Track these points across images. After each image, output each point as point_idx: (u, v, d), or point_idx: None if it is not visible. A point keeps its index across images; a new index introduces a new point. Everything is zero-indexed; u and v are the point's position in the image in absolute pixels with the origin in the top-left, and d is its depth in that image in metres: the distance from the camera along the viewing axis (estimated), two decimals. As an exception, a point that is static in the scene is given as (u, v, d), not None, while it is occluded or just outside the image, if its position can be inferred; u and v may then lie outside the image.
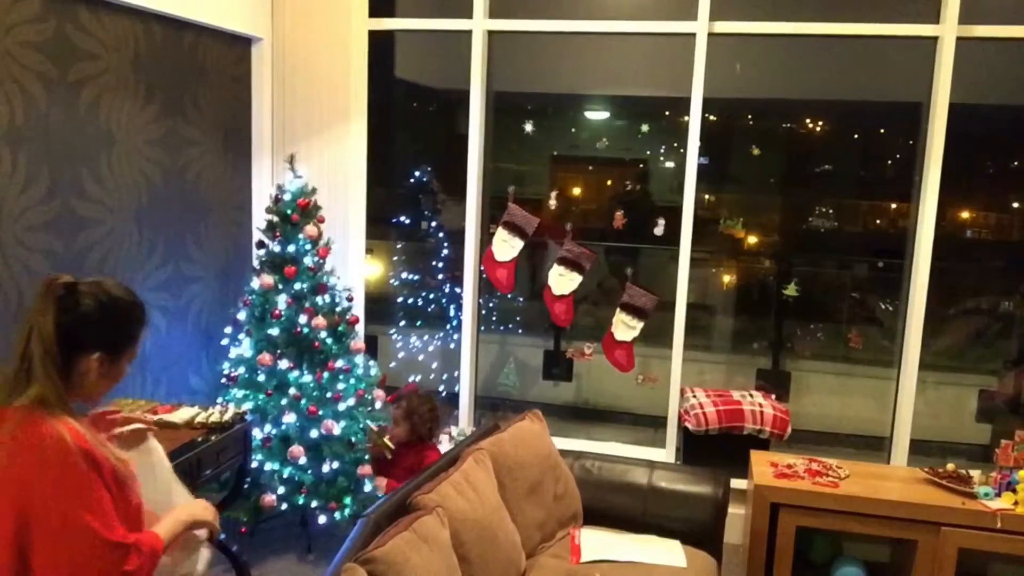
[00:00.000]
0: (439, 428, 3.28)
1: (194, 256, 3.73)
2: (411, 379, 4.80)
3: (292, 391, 3.46)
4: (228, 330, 3.67)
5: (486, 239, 4.20)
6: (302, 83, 4.11)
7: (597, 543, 2.87)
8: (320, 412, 3.44)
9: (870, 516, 3.10)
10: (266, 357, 3.46)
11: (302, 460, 3.44)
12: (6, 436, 1.45)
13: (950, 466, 3.28)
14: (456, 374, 4.34)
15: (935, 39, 3.61)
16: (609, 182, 4.80)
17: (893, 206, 4.72)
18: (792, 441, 3.90)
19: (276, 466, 3.49)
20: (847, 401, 4.62)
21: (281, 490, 3.49)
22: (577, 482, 3.11)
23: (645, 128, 4.53)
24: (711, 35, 3.76)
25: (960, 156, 3.73)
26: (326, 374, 3.51)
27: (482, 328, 4.42)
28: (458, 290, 4.31)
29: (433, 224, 4.65)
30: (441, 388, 4.79)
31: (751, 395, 4.00)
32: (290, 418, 3.46)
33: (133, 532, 1.55)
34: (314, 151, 4.11)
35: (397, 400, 3.31)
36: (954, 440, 4.44)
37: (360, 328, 3.99)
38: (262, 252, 3.63)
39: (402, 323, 4.84)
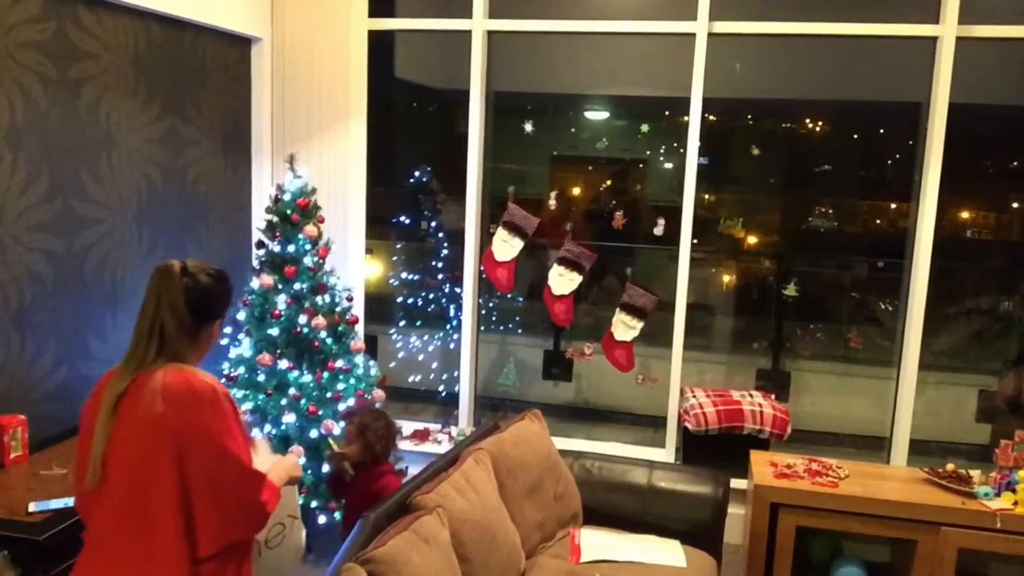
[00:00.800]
0: (394, 446, 2.99)
1: (194, 256, 3.73)
2: (410, 379, 4.80)
3: (292, 391, 3.45)
4: (228, 330, 3.67)
5: (486, 239, 4.20)
6: (302, 83, 4.11)
7: (597, 543, 2.87)
8: (320, 412, 3.44)
9: (870, 516, 3.10)
10: (266, 357, 3.46)
11: (302, 460, 3.44)
12: (158, 385, 1.71)
13: (950, 466, 3.28)
14: (456, 374, 4.34)
15: (935, 39, 3.61)
16: (609, 182, 4.80)
17: (893, 206, 4.72)
18: (792, 441, 3.90)
19: (276, 466, 3.48)
20: (847, 401, 4.62)
21: (281, 490, 3.48)
22: (577, 482, 3.11)
23: (645, 128, 4.53)
24: (711, 35, 3.76)
25: (960, 156, 3.73)
26: (326, 374, 3.51)
27: (482, 328, 4.42)
28: (458, 290, 4.31)
29: (433, 224, 4.65)
30: (441, 388, 4.79)
31: (751, 395, 4.00)
32: (290, 418, 3.45)
33: None
34: (314, 151, 4.11)
35: (349, 416, 2.98)
36: (954, 440, 4.44)
37: (360, 328, 3.99)
38: (262, 252, 3.63)
39: (402, 323, 4.84)
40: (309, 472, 3.48)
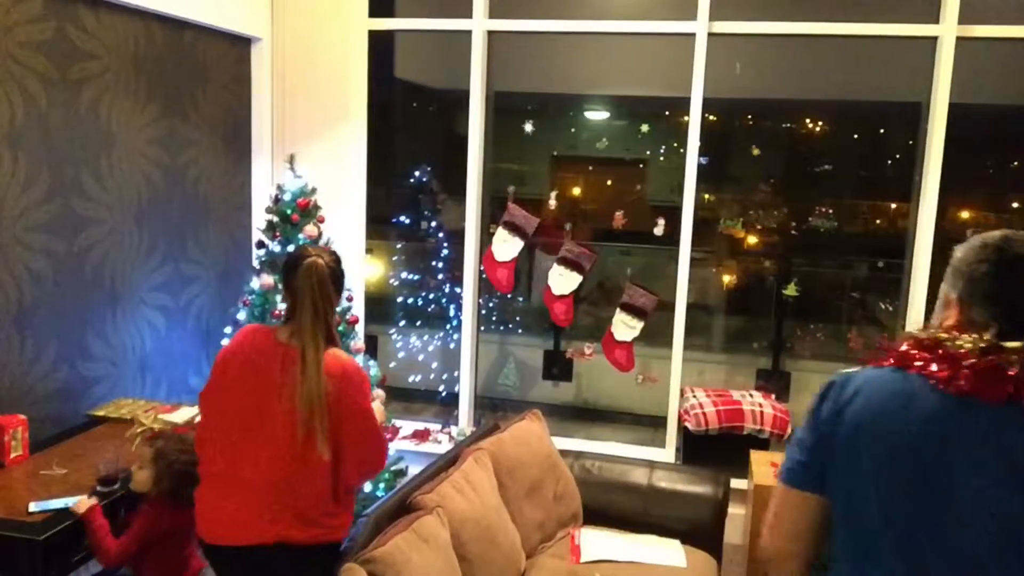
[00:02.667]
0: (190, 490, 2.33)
1: (194, 256, 3.73)
2: (410, 379, 4.80)
3: (292, 391, 3.45)
4: (228, 330, 3.67)
5: (486, 239, 4.20)
6: (302, 83, 4.12)
7: (597, 543, 2.87)
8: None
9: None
10: (266, 357, 3.46)
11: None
12: (327, 366, 2.08)
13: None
14: (456, 374, 4.34)
15: (935, 39, 3.61)
16: (609, 182, 4.80)
17: (893, 206, 4.73)
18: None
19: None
20: (847, 401, 4.62)
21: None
22: (577, 482, 3.11)
23: (645, 128, 4.53)
24: (711, 35, 3.76)
25: (960, 156, 3.73)
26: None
27: (482, 328, 4.42)
28: (458, 290, 4.31)
29: (433, 224, 4.65)
30: (441, 388, 4.79)
31: (751, 395, 4.00)
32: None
33: None
34: (314, 151, 4.11)
35: (154, 439, 2.51)
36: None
37: (360, 328, 3.98)
38: (262, 252, 3.63)
39: (402, 323, 4.84)
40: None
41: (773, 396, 4.06)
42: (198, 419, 2.59)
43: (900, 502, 1.30)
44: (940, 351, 1.31)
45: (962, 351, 1.29)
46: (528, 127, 4.39)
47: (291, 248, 3.54)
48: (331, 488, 2.10)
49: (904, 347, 1.36)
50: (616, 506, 3.10)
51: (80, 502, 2.32)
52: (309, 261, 2.13)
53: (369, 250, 4.43)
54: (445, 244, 4.59)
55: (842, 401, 1.39)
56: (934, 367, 1.30)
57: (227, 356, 2.19)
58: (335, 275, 2.18)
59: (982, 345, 1.29)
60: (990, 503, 1.24)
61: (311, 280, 2.11)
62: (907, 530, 1.29)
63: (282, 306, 3.48)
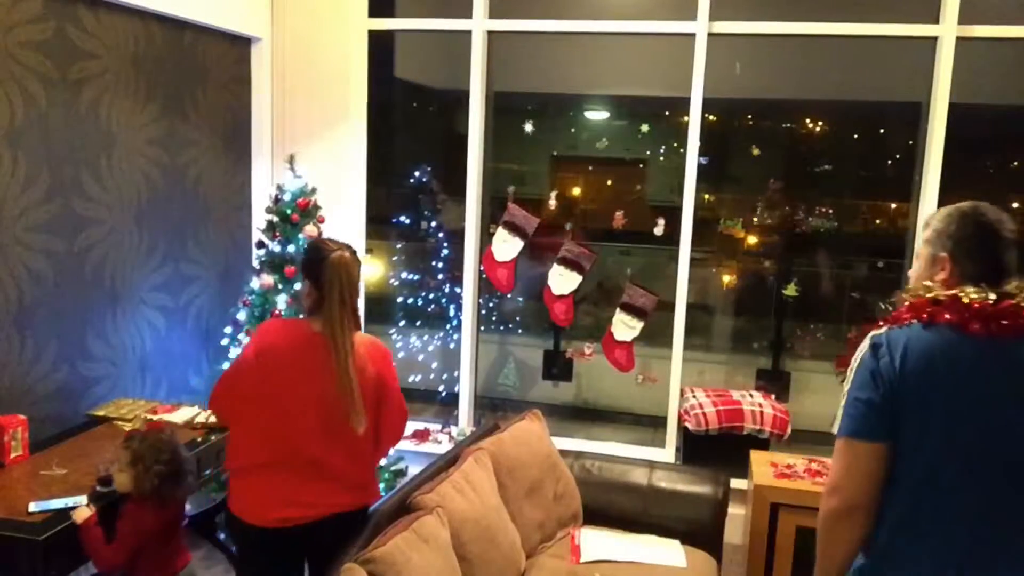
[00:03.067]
0: (178, 490, 2.39)
1: (194, 256, 3.73)
2: (410, 379, 4.80)
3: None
4: (228, 330, 3.67)
5: (486, 239, 4.20)
6: (302, 83, 4.12)
7: (597, 543, 2.87)
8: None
9: (870, 516, 3.10)
10: (266, 357, 3.46)
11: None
12: (364, 348, 2.32)
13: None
14: (456, 374, 4.34)
15: (935, 39, 3.61)
16: (609, 182, 4.80)
17: (893, 206, 4.72)
18: (792, 441, 3.90)
19: (276, 466, 3.48)
20: (847, 401, 4.61)
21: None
22: (577, 482, 3.11)
23: (645, 128, 4.53)
24: (711, 35, 3.76)
25: (960, 156, 3.73)
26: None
27: (482, 328, 4.42)
28: (458, 290, 4.31)
29: (433, 224, 4.65)
30: (441, 388, 4.79)
31: (751, 395, 4.00)
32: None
33: None
34: (314, 151, 4.11)
35: (128, 439, 2.40)
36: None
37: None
38: (262, 252, 3.63)
39: (402, 323, 4.84)
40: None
41: (773, 396, 4.06)
42: (211, 419, 2.59)
43: (961, 432, 1.58)
44: (958, 305, 1.60)
45: (977, 303, 1.59)
46: (528, 127, 4.39)
47: (291, 248, 3.55)
48: (372, 458, 2.41)
49: (923, 304, 1.64)
50: (616, 506, 3.10)
51: (79, 511, 2.31)
52: (336, 255, 2.25)
53: (369, 250, 4.43)
54: (445, 244, 4.59)
55: (897, 357, 1.61)
56: (958, 317, 1.59)
57: (264, 351, 2.24)
58: (359, 266, 2.34)
59: (992, 296, 1.59)
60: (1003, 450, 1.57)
61: (339, 273, 2.24)
62: (968, 453, 1.58)
63: (282, 306, 3.50)
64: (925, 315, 1.63)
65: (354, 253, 2.33)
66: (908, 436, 1.61)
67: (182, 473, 2.39)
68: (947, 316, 1.61)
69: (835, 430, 1.71)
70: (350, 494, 2.31)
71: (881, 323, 1.69)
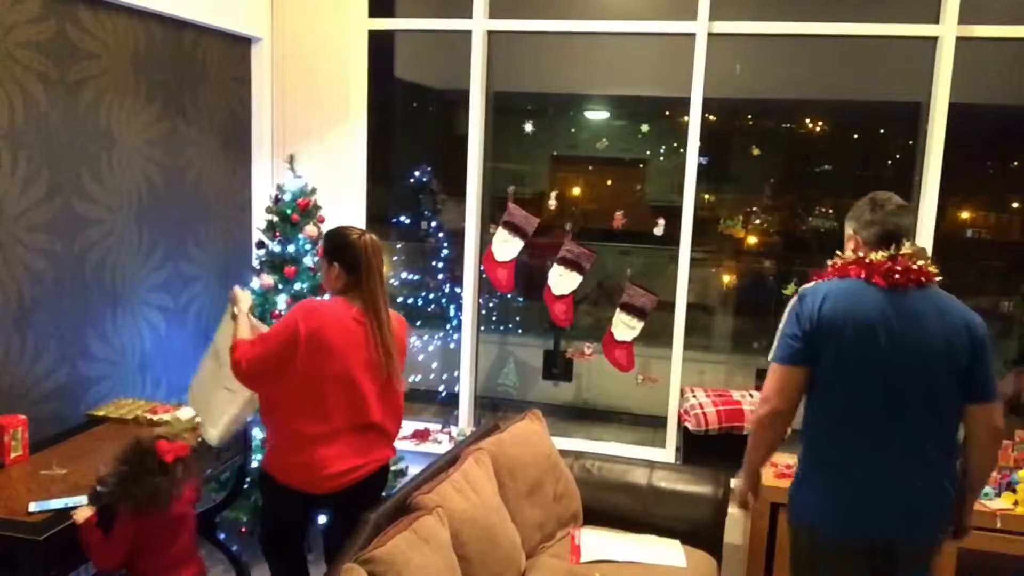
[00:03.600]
0: (155, 506, 2.31)
1: (194, 256, 3.73)
2: (410, 379, 4.80)
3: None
4: (228, 330, 3.67)
5: (486, 239, 4.20)
6: (302, 83, 4.12)
7: (597, 543, 2.87)
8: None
9: (870, 516, 3.10)
10: (266, 357, 3.46)
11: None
12: (395, 320, 2.65)
13: (950, 466, 3.28)
14: (456, 374, 4.34)
15: (935, 39, 3.61)
16: (609, 182, 4.80)
17: (893, 206, 4.72)
18: (792, 441, 3.89)
19: (276, 466, 3.48)
20: (847, 401, 4.61)
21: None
22: (577, 482, 3.11)
23: (645, 128, 4.52)
24: (711, 35, 3.76)
25: (960, 156, 3.73)
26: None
27: (482, 328, 4.42)
28: (458, 290, 4.31)
29: (433, 224, 4.65)
30: (441, 388, 4.79)
31: (751, 395, 4.00)
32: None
33: None
34: (314, 151, 4.11)
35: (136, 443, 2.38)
36: (954, 440, 4.43)
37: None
38: (262, 252, 3.63)
39: (402, 323, 4.84)
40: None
41: (773, 396, 4.05)
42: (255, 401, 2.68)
43: (871, 356, 2.11)
44: (867, 264, 2.18)
45: (878, 262, 2.17)
46: (528, 127, 4.39)
47: (291, 248, 3.55)
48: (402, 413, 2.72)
49: (842, 265, 2.22)
50: (616, 506, 3.10)
51: (79, 511, 2.31)
52: (365, 238, 2.53)
53: (369, 250, 4.43)
54: (445, 244, 4.59)
55: (818, 302, 2.15)
56: (865, 272, 2.17)
57: (315, 331, 2.42)
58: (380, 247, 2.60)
59: (887, 256, 2.17)
60: (913, 351, 2.11)
61: (368, 251, 2.51)
62: (876, 374, 2.12)
63: (282, 306, 3.50)
64: (841, 272, 2.21)
65: (374, 237, 2.58)
66: (827, 360, 2.14)
67: (162, 493, 2.30)
68: (856, 272, 2.18)
69: (770, 358, 2.26)
70: (390, 447, 2.67)
71: (812, 280, 2.26)
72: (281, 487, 2.53)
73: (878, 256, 2.17)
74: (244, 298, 2.72)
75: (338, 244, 2.55)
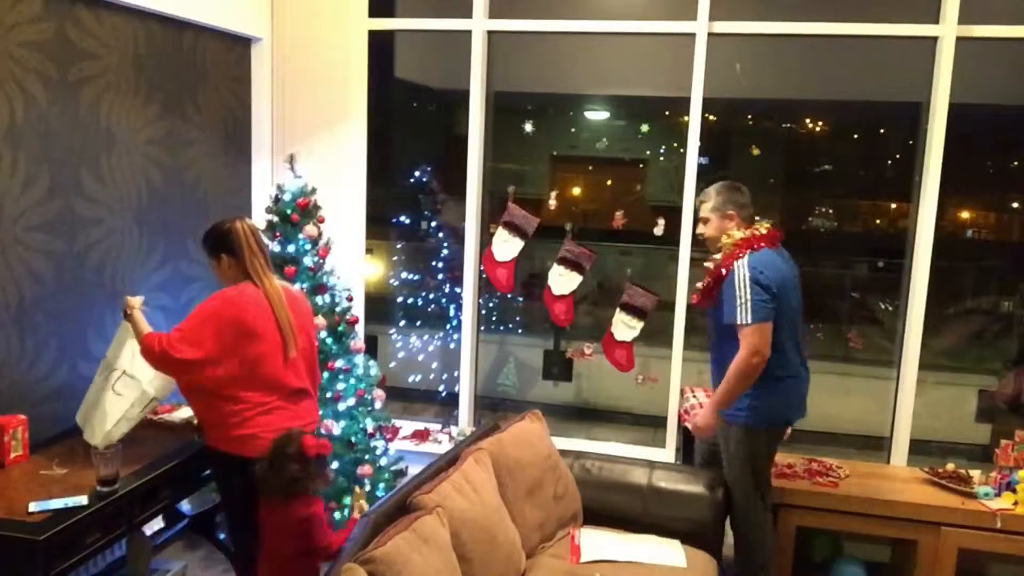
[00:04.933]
0: (290, 495, 2.42)
1: (194, 256, 3.73)
2: (410, 379, 4.79)
3: (292, 391, 3.45)
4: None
5: (486, 239, 4.20)
6: (302, 83, 4.12)
7: (597, 543, 2.87)
8: (320, 412, 3.44)
9: (870, 516, 3.11)
10: (266, 357, 3.46)
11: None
12: (297, 293, 2.89)
13: (950, 466, 3.29)
14: (456, 374, 4.34)
15: (935, 39, 3.61)
16: (609, 182, 4.80)
17: (893, 206, 4.72)
18: (792, 441, 3.90)
19: (276, 466, 3.48)
20: (847, 401, 4.62)
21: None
22: (577, 482, 3.11)
23: (645, 128, 4.52)
24: (711, 35, 3.76)
25: (960, 156, 3.73)
26: (326, 374, 3.51)
27: (482, 328, 4.42)
28: (458, 290, 4.31)
29: (433, 224, 4.65)
30: (441, 388, 4.79)
31: (751, 395, 4.00)
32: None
33: None
34: (314, 151, 4.11)
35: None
36: (954, 440, 4.44)
37: (360, 328, 3.99)
38: (262, 252, 3.62)
39: (402, 323, 4.84)
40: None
41: (773, 396, 4.06)
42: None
43: (790, 303, 2.93)
44: (765, 236, 2.94)
45: (768, 232, 2.96)
46: (528, 127, 4.39)
47: (291, 248, 3.55)
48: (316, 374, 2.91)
49: (754, 239, 2.93)
50: (616, 506, 3.10)
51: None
52: (238, 222, 2.72)
53: (369, 250, 4.43)
54: (445, 244, 4.59)
55: (766, 271, 2.84)
56: (766, 242, 2.93)
57: (241, 316, 2.56)
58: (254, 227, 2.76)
59: (767, 225, 2.99)
60: (795, 289, 2.98)
61: (245, 232, 2.69)
62: (796, 321, 3.00)
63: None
64: (755, 245, 2.90)
65: (246, 219, 2.78)
66: (780, 312, 2.86)
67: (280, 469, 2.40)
68: (763, 243, 2.92)
69: (739, 321, 2.81)
70: (316, 409, 2.86)
71: (739, 256, 2.88)
72: (237, 459, 2.58)
73: (761, 229, 2.96)
74: (135, 300, 2.77)
75: (217, 237, 2.71)
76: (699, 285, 3.10)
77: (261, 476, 2.41)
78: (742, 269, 2.83)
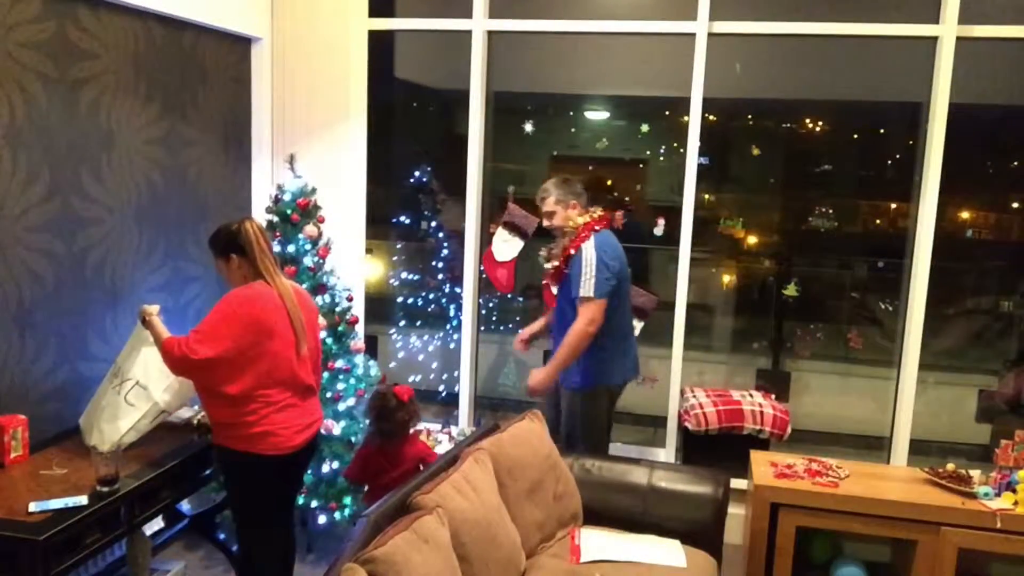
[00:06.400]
0: (400, 433, 3.18)
1: (194, 256, 3.73)
2: (410, 379, 4.80)
3: (292, 391, 3.45)
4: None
5: (486, 239, 4.20)
6: (302, 83, 4.12)
7: (597, 543, 2.87)
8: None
9: (870, 516, 3.10)
10: (266, 357, 3.46)
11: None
12: (292, 288, 2.80)
13: (950, 466, 3.28)
14: (456, 374, 4.34)
15: (935, 39, 3.61)
16: (609, 182, 4.80)
17: (893, 206, 4.71)
18: (792, 441, 3.90)
19: (276, 466, 3.48)
20: (847, 401, 4.62)
21: (281, 490, 3.48)
22: (577, 482, 3.11)
23: (645, 128, 4.52)
24: (711, 35, 3.77)
25: (960, 156, 3.73)
26: (326, 374, 3.51)
27: (482, 328, 4.42)
28: (458, 290, 4.32)
29: (433, 224, 4.65)
30: (441, 388, 4.79)
31: (751, 395, 4.00)
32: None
33: None
34: (314, 151, 4.11)
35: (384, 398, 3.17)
36: (954, 440, 4.43)
37: (360, 328, 3.99)
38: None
39: (402, 323, 4.84)
40: (310, 472, 3.48)
41: (773, 396, 4.06)
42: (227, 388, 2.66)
43: (627, 275, 3.43)
44: (598, 217, 3.38)
45: (603, 216, 3.41)
46: (528, 127, 4.39)
47: (291, 248, 3.55)
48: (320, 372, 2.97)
49: (594, 222, 3.35)
50: (616, 506, 3.09)
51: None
52: (246, 223, 2.69)
53: (369, 250, 4.43)
54: (445, 244, 4.59)
55: (609, 251, 3.28)
56: (602, 224, 3.37)
57: (258, 315, 2.58)
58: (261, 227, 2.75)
59: (600, 211, 3.42)
60: (629, 275, 3.50)
61: (253, 232, 2.67)
62: (629, 292, 3.54)
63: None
64: (596, 227, 3.33)
65: (253, 219, 2.75)
66: (620, 287, 3.34)
67: (387, 418, 3.12)
68: (601, 225, 3.36)
69: (583, 293, 3.19)
70: (319, 406, 2.90)
71: (586, 237, 3.29)
72: (250, 457, 2.63)
73: (596, 213, 3.39)
74: (152, 308, 2.78)
75: (226, 237, 2.69)
76: (549, 267, 3.47)
77: (377, 429, 3.13)
78: (589, 250, 3.23)
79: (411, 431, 3.22)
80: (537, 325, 3.72)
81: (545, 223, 3.49)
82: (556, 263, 3.39)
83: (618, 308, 3.35)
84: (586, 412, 3.42)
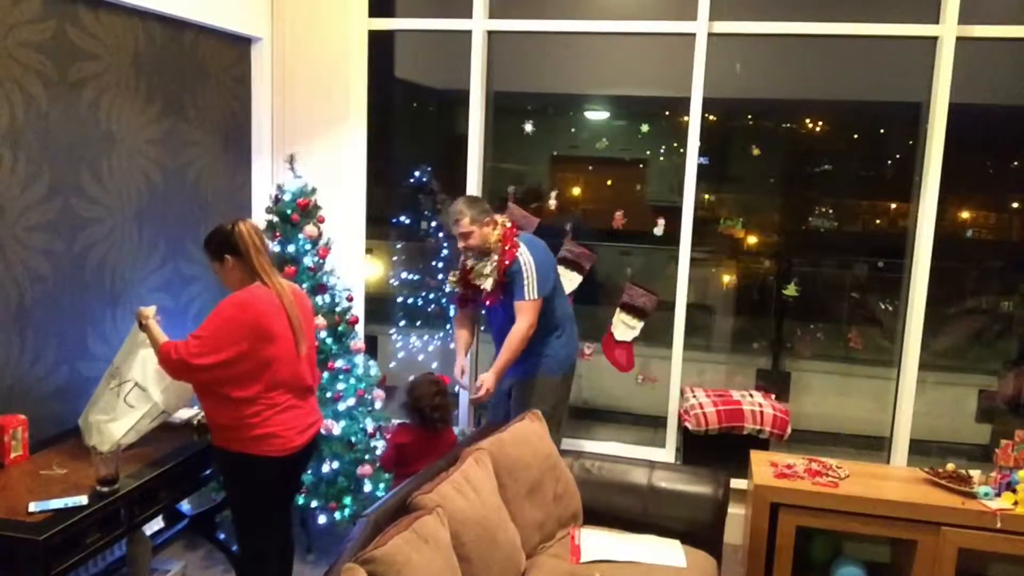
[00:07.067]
0: (441, 421, 3.37)
1: (194, 256, 3.73)
2: (411, 379, 4.79)
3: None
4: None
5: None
6: (302, 83, 4.12)
7: (597, 543, 2.87)
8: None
9: (870, 516, 3.10)
10: (266, 357, 3.46)
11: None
12: (301, 292, 2.89)
13: (950, 466, 3.28)
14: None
15: (935, 39, 3.61)
16: (609, 182, 4.80)
17: (893, 206, 4.71)
18: (792, 441, 3.90)
19: (276, 466, 3.48)
20: (847, 401, 4.62)
21: (281, 490, 3.48)
22: (577, 482, 3.11)
23: (645, 128, 4.52)
24: (711, 35, 3.77)
25: (960, 156, 3.73)
26: (326, 374, 3.51)
27: (482, 328, 4.42)
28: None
29: (433, 224, 4.64)
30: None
31: (751, 395, 4.00)
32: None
33: None
34: (314, 151, 4.11)
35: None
36: (954, 440, 4.43)
37: (360, 328, 3.99)
38: (262, 252, 3.62)
39: (402, 323, 4.83)
40: (310, 472, 3.48)
41: (773, 396, 4.06)
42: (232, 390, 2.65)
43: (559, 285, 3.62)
44: (509, 228, 3.47)
45: (509, 223, 3.50)
46: (528, 127, 4.39)
47: (291, 248, 3.55)
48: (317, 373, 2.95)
49: (509, 232, 3.46)
50: (616, 506, 3.10)
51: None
52: (239, 224, 2.66)
53: (369, 250, 4.43)
54: (445, 244, 4.59)
55: (538, 253, 3.45)
56: (516, 230, 3.52)
57: (258, 319, 2.56)
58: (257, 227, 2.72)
59: (506, 219, 3.53)
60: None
61: (249, 234, 2.64)
62: (559, 280, 3.65)
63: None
64: (515, 234, 3.47)
65: (248, 220, 2.73)
66: (556, 286, 3.53)
67: (420, 407, 3.31)
68: (516, 231, 3.51)
69: (527, 297, 3.34)
70: (317, 406, 2.90)
71: (515, 246, 3.41)
72: (251, 459, 2.62)
73: (506, 223, 3.49)
74: (149, 310, 2.76)
75: (221, 238, 2.67)
76: (486, 287, 3.42)
77: (421, 417, 3.31)
78: (525, 255, 3.37)
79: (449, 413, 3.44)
80: (462, 356, 3.66)
81: (461, 244, 3.46)
82: (494, 279, 3.40)
83: (560, 295, 3.58)
84: (548, 400, 3.49)
